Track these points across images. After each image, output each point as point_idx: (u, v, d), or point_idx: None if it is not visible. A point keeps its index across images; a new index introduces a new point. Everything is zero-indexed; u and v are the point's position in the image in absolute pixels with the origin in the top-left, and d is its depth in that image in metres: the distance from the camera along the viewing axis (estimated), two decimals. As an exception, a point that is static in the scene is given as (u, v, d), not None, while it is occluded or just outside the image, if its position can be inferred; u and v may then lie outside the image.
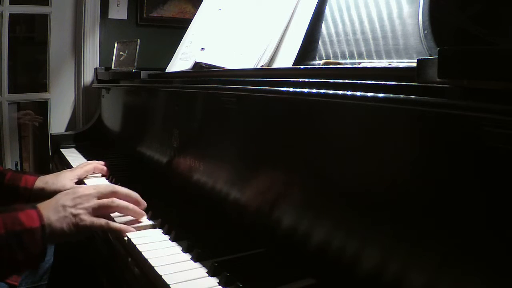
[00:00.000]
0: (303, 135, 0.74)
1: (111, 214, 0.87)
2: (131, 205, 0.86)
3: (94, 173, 1.29)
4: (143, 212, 0.89)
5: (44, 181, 1.10)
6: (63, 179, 1.13)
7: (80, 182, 1.20)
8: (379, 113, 0.58)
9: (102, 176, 1.32)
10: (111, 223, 0.81)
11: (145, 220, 0.92)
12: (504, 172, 0.43)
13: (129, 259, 0.78)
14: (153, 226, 0.87)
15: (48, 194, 1.04)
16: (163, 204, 1.00)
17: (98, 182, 1.25)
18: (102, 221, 0.80)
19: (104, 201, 0.82)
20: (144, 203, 0.90)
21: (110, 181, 1.25)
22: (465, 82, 0.44)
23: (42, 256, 0.71)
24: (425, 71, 0.48)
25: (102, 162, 1.33)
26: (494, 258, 0.44)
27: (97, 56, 2.21)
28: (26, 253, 0.69)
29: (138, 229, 0.85)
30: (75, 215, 0.77)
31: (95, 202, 0.81)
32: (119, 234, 0.82)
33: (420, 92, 0.50)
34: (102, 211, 0.82)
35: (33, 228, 0.71)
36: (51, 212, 0.76)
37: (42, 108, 2.24)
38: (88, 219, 0.78)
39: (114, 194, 0.85)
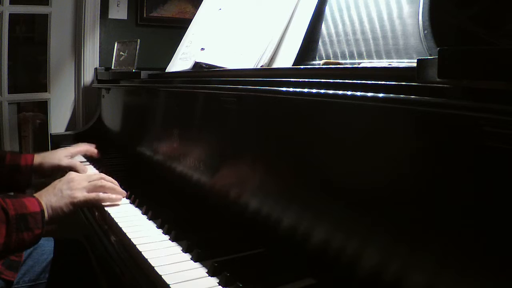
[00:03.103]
0: (303, 135, 0.74)
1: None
2: (116, 187, 1.05)
3: (86, 155, 1.48)
4: (125, 192, 1.07)
5: (42, 157, 1.25)
6: (59, 155, 1.28)
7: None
8: (379, 113, 0.58)
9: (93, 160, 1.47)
10: (101, 194, 0.99)
11: (145, 221, 0.92)
12: (504, 172, 0.43)
13: (128, 258, 0.78)
14: (152, 226, 0.87)
15: (46, 167, 1.23)
16: (162, 204, 1.00)
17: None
18: (93, 194, 0.97)
19: (94, 182, 0.99)
20: (124, 192, 1.07)
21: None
22: (465, 82, 0.44)
23: (41, 235, 0.85)
24: (425, 71, 0.48)
25: (93, 145, 1.45)
26: (494, 258, 0.44)
27: (97, 56, 2.20)
28: (31, 232, 0.82)
29: (139, 229, 0.85)
30: (70, 195, 0.93)
31: (86, 183, 0.97)
32: (110, 201, 1.01)
33: (420, 92, 0.50)
34: (93, 191, 0.98)
35: (35, 212, 0.84)
36: (51, 196, 0.91)
37: (42, 108, 2.23)
38: (81, 195, 0.95)
39: (101, 177, 1.02)
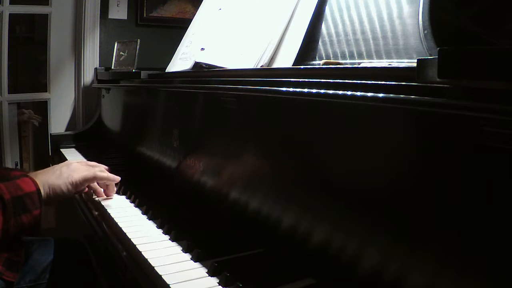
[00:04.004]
0: (303, 135, 0.74)
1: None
2: (111, 176, 1.06)
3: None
4: (119, 178, 1.08)
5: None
6: None
7: None
8: (379, 113, 0.58)
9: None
10: (98, 172, 1.01)
11: (145, 221, 0.92)
12: (504, 172, 0.43)
13: (128, 258, 0.78)
14: (152, 226, 0.87)
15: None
16: (162, 204, 1.00)
17: None
18: (91, 172, 0.99)
19: (91, 169, 1.01)
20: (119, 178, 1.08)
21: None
22: (465, 82, 0.44)
23: (40, 216, 0.83)
24: (425, 71, 0.48)
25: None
26: (494, 258, 0.44)
27: (97, 56, 2.20)
28: (29, 214, 0.81)
29: (139, 230, 0.85)
30: (69, 175, 0.94)
31: (84, 167, 1.00)
32: (107, 180, 1.04)
33: (420, 92, 0.50)
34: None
35: (31, 192, 0.82)
36: (48, 174, 0.91)
37: (42, 108, 2.23)
38: (79, 174, 0.96)
39: (101, 169, 1.04)
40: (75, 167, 0.97)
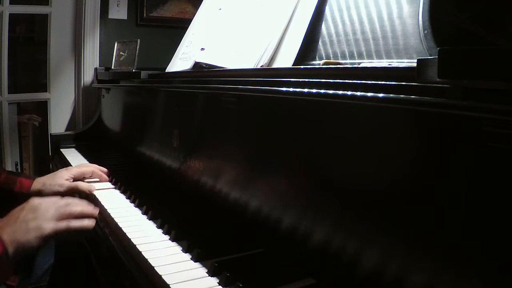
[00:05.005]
0: (303, 135, 0.74)
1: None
2: (86, 208, 0.90)
3: (91, 177, 1.24)
4: (97, 210, 0.92)
5: (41, 183, 1.11)
6: (59, 179, 1.14)
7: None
8: (379, 113, 0.58)
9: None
10: (72, 223, 0.85)
11: (145, 221, 0.92)
12: (504, 172, 0.43)
13: (128, 258, 0.78)
14: (152, 226, 0.87)
15: (46, 195, 1.05)
16: (162, 204, 1.00)
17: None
18: (63, 223, 0.84)
19: (61, 210, 0.85)
20: (96, 210, 0.92)
21: (110, 181, 1.25)
22: (465, 82, 0.44)
23: (14, 271, 0.75)
24: (425, 71, 0.48)
25: (104, 169, 1.27)
26: (494, 258, 0.44)
27: (97, 56, 2.20)
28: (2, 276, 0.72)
29: (139, 229, 0.85)
30: (38, 227, 0.80)
31: (53, 211, 0.83)
32: (82, 229, 0.87)
33: (420, 92, 0.50)
34: (63, 217, 0.85)
35: None
36: (13, 229, 0.78)
37: (42, 108, 2.23)
38: (50, 226, 0.81)
39: (67, 203, 0.88)
40: (43, 215, 0.82)
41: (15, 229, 0.77)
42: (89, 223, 0.88)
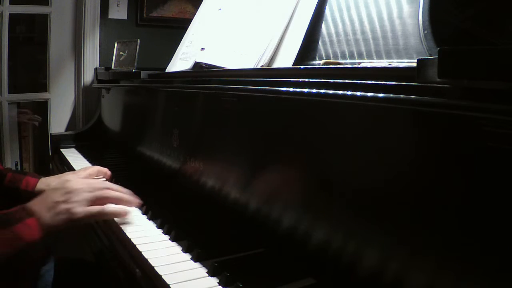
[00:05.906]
0: (303, 135, 0.74)
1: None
2: (125, 196, 0.87)
3: (97, 176, 1.23)
4: (137, 200, 0.90)
5: (46, 183, 1.09)
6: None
7: None
8: (379, 113, 0.58)
9: (105, 180, 1.29)
10: (106, 208, 0.83)
11: (145, 220, 0.92)
12: (504, 172, 0.43)
13: (128, 258, 0.78)
14: (152, 226, 0.87)
15: None
16: (162, 204, 1.00)
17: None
18: (96, 208, 0.81)
19: (97, 193, 0.83)
20: (137, 200, 0.91)
21: (110, 181, 1.25)
22: (465, 82, 0.44)
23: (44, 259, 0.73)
24: (425, 71, 0.48)
25: (106, 170, 1.26)
26: (495, 258, 0.44)
27: (97, 56, 2.20)
28: (30, 263, 0.71)
29: (139, 229, 0.85)
30: (69, 210, 0.77)
31: (87, 194, 0.81)
32: (117, 217, 0.85)
33: (420, 92, 0.50)
34: (96, 203, 0.82)
35: (34, 241, 0.71)
36: (43, 210, 0.75)
37: (42, 108, 2.23)
38: (82, 210, 0.78)
39: (106, 187, 0.86)
40: (76, 197, 0.78)
41: (44, 211, 0.75)
42: (125, 211, 0.84)
